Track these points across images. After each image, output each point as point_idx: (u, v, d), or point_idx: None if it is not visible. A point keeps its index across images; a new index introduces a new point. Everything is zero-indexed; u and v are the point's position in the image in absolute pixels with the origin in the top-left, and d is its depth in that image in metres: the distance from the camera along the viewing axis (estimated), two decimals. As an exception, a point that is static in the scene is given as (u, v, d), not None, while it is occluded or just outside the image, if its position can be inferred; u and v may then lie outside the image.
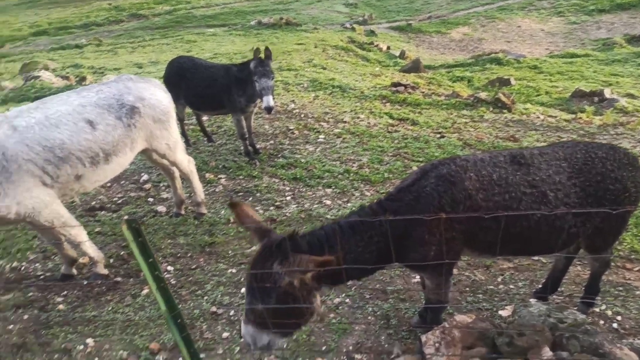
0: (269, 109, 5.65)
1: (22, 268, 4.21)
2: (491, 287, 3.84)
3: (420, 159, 6.63)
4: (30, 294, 3.84)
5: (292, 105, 8.78)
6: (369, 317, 3.51)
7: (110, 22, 21.01)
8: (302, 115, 8.32)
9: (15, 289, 3.88)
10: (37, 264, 4.28)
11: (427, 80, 11.57)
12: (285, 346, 3.24)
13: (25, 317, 3.58)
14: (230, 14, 20.68)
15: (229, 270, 4.14)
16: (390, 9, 23.14)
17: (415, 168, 6.32)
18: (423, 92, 10.35)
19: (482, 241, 2.78)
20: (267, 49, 5.92)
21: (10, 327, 3.48)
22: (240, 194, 5.69)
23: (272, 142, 7.22)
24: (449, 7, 22.58)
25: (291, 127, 7.72)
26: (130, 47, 15.70)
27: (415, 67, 12.91)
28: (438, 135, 7.59)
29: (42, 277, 4.10)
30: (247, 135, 6.53)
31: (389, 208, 2.69)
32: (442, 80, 11.82)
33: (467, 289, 3.78)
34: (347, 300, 3.69)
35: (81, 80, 11.09)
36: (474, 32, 19.25)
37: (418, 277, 3.81)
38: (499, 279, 3.95)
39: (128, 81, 4.31)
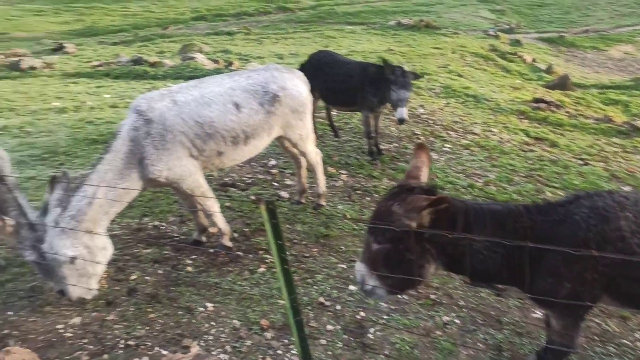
0: (401, 121, 5.88)
1: (162, 227, 4.73)
2: (626, 341, 3.40)
3: (556, 185, 6.09)
4: (166, 252, 4.30)
5: (421, 110, 8.61)
6: (479, 344, 3.32)
7: (260, 13, 22.52)
8: (430, 122, 8.13)
9: (154, 245, 4.37)
10: (174, 226, 4.77)
11: (574, 100, 10.56)
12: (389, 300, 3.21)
13: (160, 272, 4.02)
14: (370, 12, 20.88)
15: (340, 265, 4.21)
16: (541, 18, 21.49)
17: (549, 194, 5.83)
18: (568, 112, 9.47)
19: (629, 292, 2.46)
20: (416, 74, 6.11)
21: (147, 278, 3.94)
22: (359, 192, 5.74)
23: (396, 144, 7.16)
24: (611, 22, 20.30)
25: (417, 132, 7.58)
26: (275, 37, 16.66)
27: (562, 83, 11.86)
28: (580, 162, 6.90)
29: (177, 238, 4.56)
30: (372, 135, 6.57)
31: (534, 217, 2.49)
32: (593, 102, 10.68)
33: (597, 337, 3.39)
34: (457, 320, 3.54)
35: (228, 64, 12.04)
36: (639, 51, 17.06)
37: (540, 312, 3.51)
38: (637, 335, 3.48)
39: (275, 70, 4.57)
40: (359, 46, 14.40)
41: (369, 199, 5.54)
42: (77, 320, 3.43)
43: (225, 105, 4.09)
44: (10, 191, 3.59)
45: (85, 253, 3.41)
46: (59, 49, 15.99)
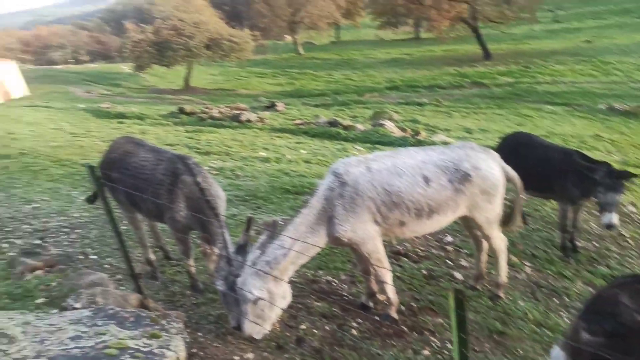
0: (609, 227, 5.22)
1: (334, 284, 4.90)
2: None
3: None
4: (335, 309, 4.42)
5: (632, 209, 7.44)
6: None
7: (453, 86, 22.72)
8: (644, 224, 6.94)
9: (325, 299, 4.54)
10: (344, 285, 4.91)
11: None
12: None
13: (327, 327, 4.13)
14: (576, 93, 19.28)
15: (515, 371, 3.75)
16: None
17: None
18: None
19: None
20: (629, 173, 5.39)
21: (315, 331, 4.08)
22: (545, 290, 5.13)
23: (596, 243, 6.27)
24: None
25: (625, 234, 6.54)
26: (465, 111, 16.56)
27: None
28: None
29: (345, 297, 4.66)
30: (568, 229, 5.88)
31: None
32: None
33: None
34: None
35: (415, 134, 12.33)
36: None
37: None
38: None
39: (469, 149, 4.51)
40: (559, 128, 13.36)
41: (557, 300, 4.90)
42: (250, 356, 3.70)
43: (414, 177, 4.16)
44: (221, 227, 4.18)
45: (268, 297, 3.71)
46: (271, 107, 18.57)
